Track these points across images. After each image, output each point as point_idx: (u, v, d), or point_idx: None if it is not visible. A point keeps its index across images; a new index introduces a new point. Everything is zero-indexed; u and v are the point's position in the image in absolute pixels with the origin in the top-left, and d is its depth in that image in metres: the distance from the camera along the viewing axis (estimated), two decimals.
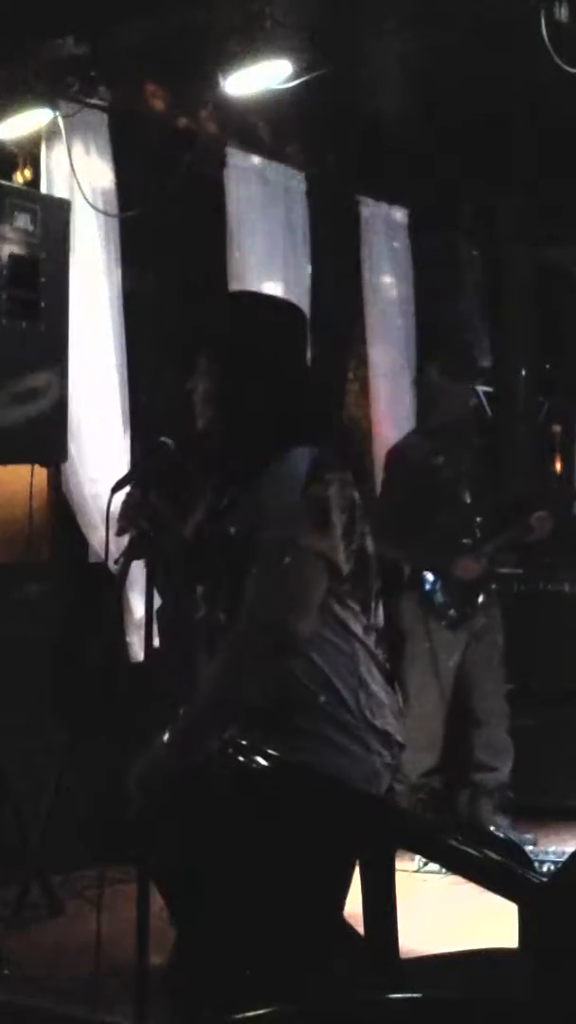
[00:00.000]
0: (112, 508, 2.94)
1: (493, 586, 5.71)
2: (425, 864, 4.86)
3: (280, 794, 2.41)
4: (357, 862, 2.49)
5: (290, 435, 2.77)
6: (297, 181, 6.12)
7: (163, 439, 2.96)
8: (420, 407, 6.23)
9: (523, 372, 7.12)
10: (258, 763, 2.33)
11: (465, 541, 5.59)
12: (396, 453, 5.81)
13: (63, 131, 5.06)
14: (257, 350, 2.87)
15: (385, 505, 5.71)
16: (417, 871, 4.88)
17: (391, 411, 6.66)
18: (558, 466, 7.90)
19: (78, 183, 5.10)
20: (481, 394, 6.71)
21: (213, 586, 2.86)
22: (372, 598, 2.82)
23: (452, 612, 5.56)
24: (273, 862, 2.59)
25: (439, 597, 5.57)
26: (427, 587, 5.58)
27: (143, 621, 5.03)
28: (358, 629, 2.77)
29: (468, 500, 5.67)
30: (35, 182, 5.12)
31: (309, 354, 3.11)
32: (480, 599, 5.62)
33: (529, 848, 5.18)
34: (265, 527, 2.67)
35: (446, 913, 4.54)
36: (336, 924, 2.75)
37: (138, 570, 5.04)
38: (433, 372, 5.70)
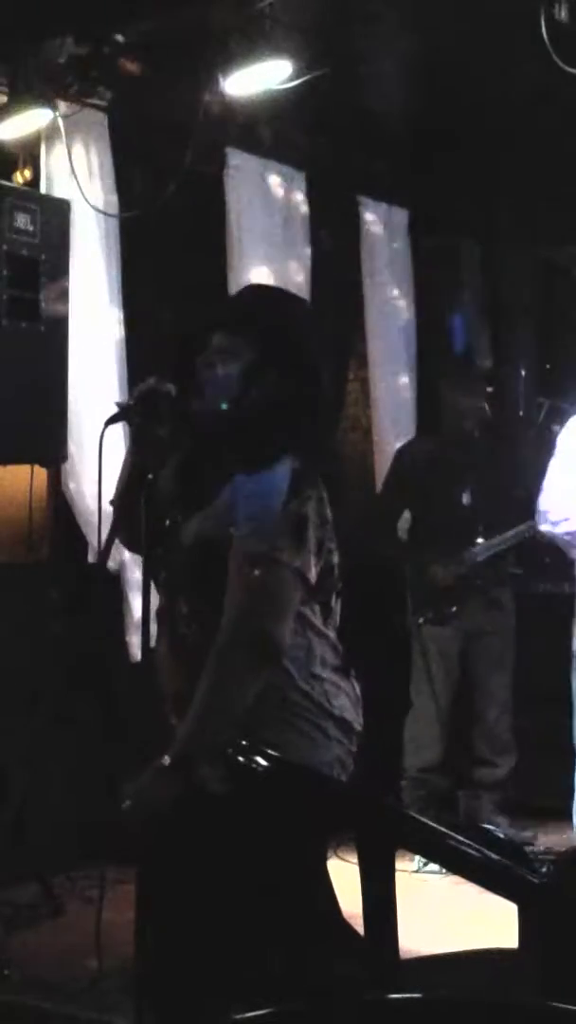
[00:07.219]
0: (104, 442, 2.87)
1: (497, 587, 5.78)
2: (425, 864, 4.86)
3: (277, 794, 2.40)
4: (357, 860, 2.48)
5: (288, 432, 2.79)
6: (297, 181, 6.13)
7: (168, 384, 2.82)
8: (431, 415, 6.31)
9: (523, 372, 7.12)
10: (258, 763, 2.33)
11: (457, 542, 5.65)
12: (402, 453, 5.98)
13: (63, 131, 5.07)
14: (289, 338, 2.88)
15: (379, 500, 6.02)
16: (417, 871, 4.88)
17: (391, 411, 6.66)
18: None
19: (78, 183, 5.10)
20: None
21: (175, 576, 2.85)
22: (333, 601, 2.87)
23: (430, 613, 5.62)
24: (260, 860, 2.60)
25: (418, 595, 5.66)
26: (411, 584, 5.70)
27: (142, 621, 5.07)
28: (316, 622, 2.81)
29: (467, 502, 5.72)
30: (35, 182, 5.12)
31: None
32: (457, 604, 5.66)
33: (529, 848, 5.19)
34: (245, 538, 2.70)
35: (446, 913, 4.55)
36: (335, 923, 2.75)
37: (137, 572, 5.06)
38: (444, 388, 5.88)
